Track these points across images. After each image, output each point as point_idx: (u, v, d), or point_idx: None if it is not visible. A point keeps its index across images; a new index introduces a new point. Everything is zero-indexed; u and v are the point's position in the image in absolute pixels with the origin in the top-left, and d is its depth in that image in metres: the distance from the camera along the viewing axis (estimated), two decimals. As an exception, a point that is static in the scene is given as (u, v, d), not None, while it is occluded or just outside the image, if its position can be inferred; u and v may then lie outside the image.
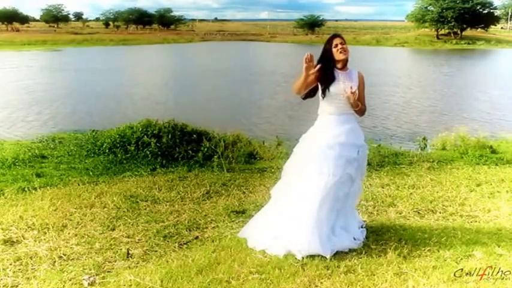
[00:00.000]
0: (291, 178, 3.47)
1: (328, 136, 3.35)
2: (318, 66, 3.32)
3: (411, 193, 4.93)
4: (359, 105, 3.38)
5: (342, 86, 3.36)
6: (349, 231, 3.41)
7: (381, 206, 4.48)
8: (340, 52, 3.36)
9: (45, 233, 3.67)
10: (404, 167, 6.23)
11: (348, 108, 3.40)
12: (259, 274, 2.96)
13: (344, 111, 3.41)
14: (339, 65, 3.42)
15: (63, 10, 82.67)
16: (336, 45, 3.37)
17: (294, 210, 3.32)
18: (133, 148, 6.87)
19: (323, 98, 3.40)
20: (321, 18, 72.14)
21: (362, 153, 3.45)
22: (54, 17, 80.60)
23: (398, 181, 5.44)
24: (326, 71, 3.37)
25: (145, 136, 7.05)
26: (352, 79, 3.42)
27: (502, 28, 69.29)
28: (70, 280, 2.93)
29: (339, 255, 3.20)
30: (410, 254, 3.24)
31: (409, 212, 4.30)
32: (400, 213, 4.26)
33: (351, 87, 3.32)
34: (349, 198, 3.41)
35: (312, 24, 68.78)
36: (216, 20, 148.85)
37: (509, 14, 67.79)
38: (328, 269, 3.02)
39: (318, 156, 3.31)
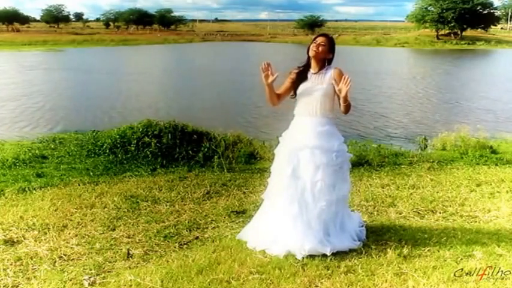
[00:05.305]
0: (274, 180, 3.47)
1: (299, 138, 3.31)
2: (294, 70, 3.37)
3: (411, 193, 4.93)
4: (347, 102, 3.21)
5: (310, 85, 3.32)
6: (346, 231, 3.38)
7: (381, 206, 4.48)
8: (313, 49, 3.30)
9: (46, 233, 3.68)
10: (404, 167, 6.23)
11: (320, 110, 3.30)
12: (260, 274, 2.97)
13: (315, 113, 3.30)
14: (313, 65, 3.35)
15: (63, 10, 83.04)
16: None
17: (282, 213, 3.30)
18: (133, 148, 6.87)
19: (293, 97, 3.39)
20: (320, 18, 72.51)
21: (339, 159, 3.30)
22: (55, 18, 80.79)
23: (398, 181, 5.44)
24: (301, 71, 3.36)
25: (145, 136, 7.04)
26: (323, 80, 3.31)
27: (502, 28, 69.37)
28: (70, 280, 2.93)
29: (339, 255, 3.19)
30: (410, 254, 3.24)
31: (409, 212, 4.30)
32: (400, 214, 4.26)
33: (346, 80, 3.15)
34: (332, 205, 3.27)
35: (312, 25, 68.87)
36: (216, 20, 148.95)
37: (509, 14, 67.81)
38: (328, 269, 3.02)
39: (291, 158, 3.29)
